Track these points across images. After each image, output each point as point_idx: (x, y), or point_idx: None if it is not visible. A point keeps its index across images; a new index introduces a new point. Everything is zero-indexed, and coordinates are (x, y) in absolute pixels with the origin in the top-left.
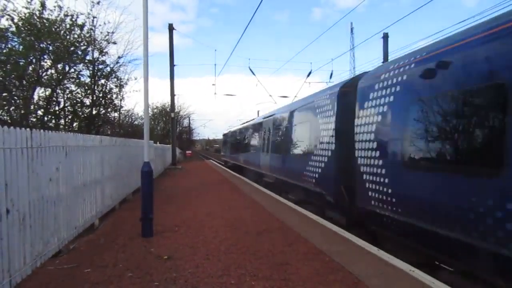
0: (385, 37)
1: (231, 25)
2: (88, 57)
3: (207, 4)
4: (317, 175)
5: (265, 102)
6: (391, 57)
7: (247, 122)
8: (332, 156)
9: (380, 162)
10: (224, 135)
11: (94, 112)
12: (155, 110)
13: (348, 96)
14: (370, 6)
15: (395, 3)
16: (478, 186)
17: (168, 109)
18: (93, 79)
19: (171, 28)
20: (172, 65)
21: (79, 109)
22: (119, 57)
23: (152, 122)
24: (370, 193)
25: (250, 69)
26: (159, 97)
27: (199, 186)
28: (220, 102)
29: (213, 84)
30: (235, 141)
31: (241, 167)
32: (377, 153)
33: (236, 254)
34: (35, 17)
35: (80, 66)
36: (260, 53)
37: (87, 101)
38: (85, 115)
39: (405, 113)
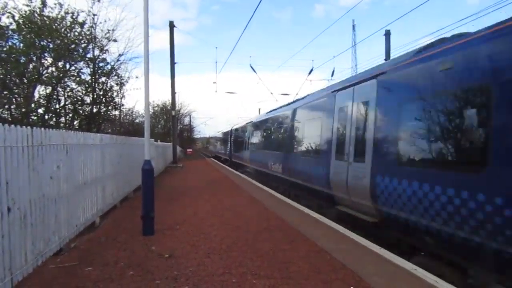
0: (387, 34)
1: (233, 22)
2: (88, 55)
3: (209, 1)
4: (227, 152)
5: (267, 100)
6: (393, 54)
7: (217, 133)
8: (229, 147)
9: (232, 149)
10: (210, 138)
11: (94, 110)
12: (156, 108)
13: (233, 131)
14: (373, 3)
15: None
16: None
17: (169, 107)
18: (93, 77)
19: (171, 25)
20: (172, 63)
21: (80, 107)
22: (119, 55)
23: (153, 120)
24: (233, 155)
25: (251, 67)
26: (160, 95)
27: (200, 184)
28: (221, 99)
29: (214, 82)
30: (212, 143)
31: (216, 156)
32: (228, 147)
33: (237, 252)
34: (36, 15)
35: (81, 64)
36: (262, 51)
37: (88, 99)
38: (86, 113)
39: (231, 141)
